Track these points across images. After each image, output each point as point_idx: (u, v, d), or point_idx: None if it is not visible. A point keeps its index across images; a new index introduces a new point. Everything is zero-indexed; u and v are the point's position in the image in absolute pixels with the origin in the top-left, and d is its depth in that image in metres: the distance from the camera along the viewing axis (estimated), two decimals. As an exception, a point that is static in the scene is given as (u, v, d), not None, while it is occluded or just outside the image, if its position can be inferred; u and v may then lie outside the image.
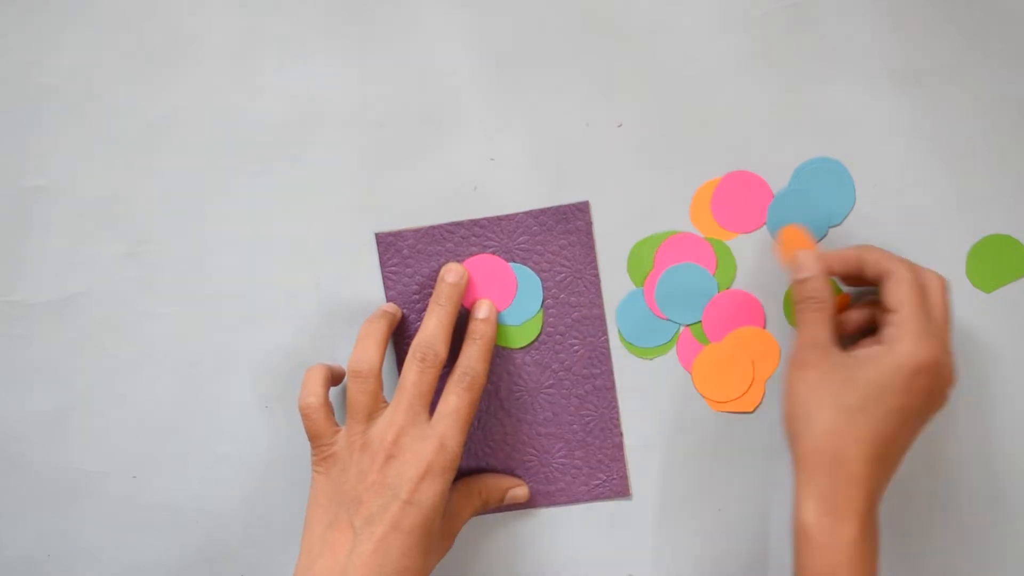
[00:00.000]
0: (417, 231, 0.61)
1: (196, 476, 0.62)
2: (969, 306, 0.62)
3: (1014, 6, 0.61)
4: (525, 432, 0.62)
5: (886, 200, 0.61)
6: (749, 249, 0.62)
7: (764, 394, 0.62)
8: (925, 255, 0.62)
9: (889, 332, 0.55)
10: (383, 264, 0.61)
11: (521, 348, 0.62)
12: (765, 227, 0.62)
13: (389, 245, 0.61)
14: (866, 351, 0.55)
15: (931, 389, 0.54)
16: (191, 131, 0.61)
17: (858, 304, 0.60)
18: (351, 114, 0.61)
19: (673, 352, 0.62)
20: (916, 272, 0.56)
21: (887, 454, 0.54)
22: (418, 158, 0.61)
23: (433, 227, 0.61)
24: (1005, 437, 0.62)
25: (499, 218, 0.61)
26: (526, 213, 0.61)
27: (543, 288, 0.61)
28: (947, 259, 0.62)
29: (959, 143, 0.61)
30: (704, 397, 0.62)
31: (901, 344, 0.54)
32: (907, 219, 0.62)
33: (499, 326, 0.61)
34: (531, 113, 0.61)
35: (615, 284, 0.62)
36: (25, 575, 0.63)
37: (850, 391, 0.54)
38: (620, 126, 0.61)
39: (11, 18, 0.61)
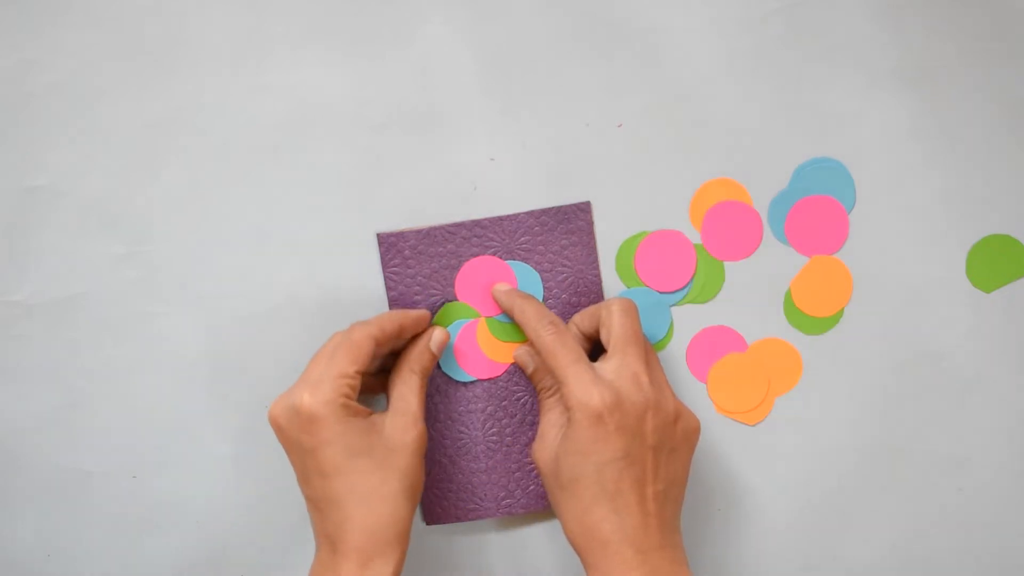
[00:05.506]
0: (419, 232, 0.61)
1: (196, 476, 0.62)
2: (969, 306, 0.62)
3: (1014, 6, 0.61)
4: (526, 433, 0.62)
5: (886, 200, 0.62)
6: (742, 272, 0.62)
7: (771, 410, 0.62)
8: (925, 255, 0.62)
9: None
10: (385, 264, 0.61)
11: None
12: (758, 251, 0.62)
13: (391, 246, 0.61)
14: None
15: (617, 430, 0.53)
16: (191, 131, 0.61)
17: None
18: (351, 114, 0.61)
19: (672, 347, 0.62)
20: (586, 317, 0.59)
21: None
22: (418, 158, 0.61)
23: (435, 228, 0.61)
24: (1006, 436, 0.62)
25: (500, 218, 0.61)
26: (527, 213, 0.61)
27: (544, 288, 0.61)
28: (947, 259, 0.62)
29: (959, 143, 0.61)
30: (713, 402, 0.63)
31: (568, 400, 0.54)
32: (907, 219, 0.62)
33: (501, 324, 0.61)
34: (531, 113, 0.61)
35: (616, 284, 0.62)
36: (25, 575, 0.63)
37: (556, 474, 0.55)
38: (620, 126, 0.61)
39: (11, 18, 0.61)
